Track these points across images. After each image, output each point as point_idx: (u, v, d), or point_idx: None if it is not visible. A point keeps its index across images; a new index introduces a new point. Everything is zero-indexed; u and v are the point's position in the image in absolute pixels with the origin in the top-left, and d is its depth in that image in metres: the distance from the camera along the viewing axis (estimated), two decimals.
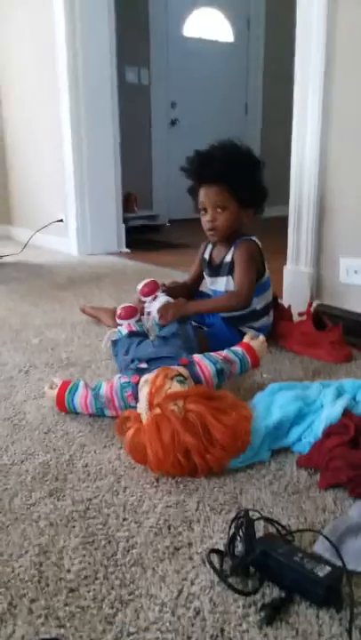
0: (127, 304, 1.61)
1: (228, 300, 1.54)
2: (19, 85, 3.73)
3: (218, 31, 5.02)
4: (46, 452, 1.07)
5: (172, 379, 1.04)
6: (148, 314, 1.58)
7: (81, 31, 3.08)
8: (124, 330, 1.50)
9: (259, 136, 5.20)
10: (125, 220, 3.64)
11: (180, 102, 4.91)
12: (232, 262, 1.56)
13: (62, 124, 3.28)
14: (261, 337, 1.30)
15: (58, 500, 0.91)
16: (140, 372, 1.16)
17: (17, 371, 1.48)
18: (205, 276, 1.70)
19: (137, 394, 1.12)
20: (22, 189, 3.97)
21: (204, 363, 1.18)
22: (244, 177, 1.50)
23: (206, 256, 1.67)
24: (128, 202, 4.14)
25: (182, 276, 2.03)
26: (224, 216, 1.52)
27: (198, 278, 1.75)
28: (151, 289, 1.63)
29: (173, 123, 4.90)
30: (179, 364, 1.15)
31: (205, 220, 1.55)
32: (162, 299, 1.57)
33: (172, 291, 1.66)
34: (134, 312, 1.57)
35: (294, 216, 1.94)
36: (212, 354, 1.22)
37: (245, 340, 1.28)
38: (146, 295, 1.63)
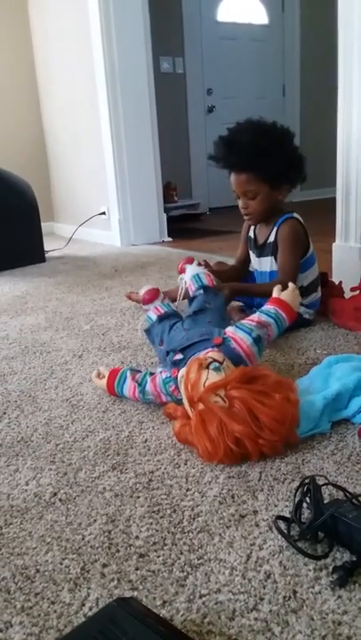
0: (148, 287, 1.60)
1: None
2: (57, 82, 3.78)
3: (252, 14, 4.94)
4: (106, 429, 1.09)
5: (207, 367, 0.99)
6: (183, 283, 1.54)
7: (115, 24, 3.09)
8: (153, 315, 1.44)
9: (298, 117, 5.11)
10: (166, 210, 3.64)
11: (216, 89, 4.86)
12: (275, 242, 1.54)
13: (100, 118, 3.31)
14: (291, 285, 1.23)
15: (121, 472, 0.93)
16: (177, 363, 1.12)
17: (71, 355, 1.52)
18: (252, 256, 1.69)
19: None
20: (64, 185, 4.04)
21: (239, 335, 1.11)
22: (271, 159, 1.45)
23: (251, 234, 1.67)
24: (168, 191, 4.14)
25: (226, 260, 2.02)
26: (256, 202, 1.52)
27: (247, 258, 1.73)
28: (186, 263, 1.62)
29: (210, 110, 4.86)
30: (213, 346, 1.10)
31: (240, 205, 1.56)
32: (193, 268, 1.53)
33: (223, 274, 1.65)
34: (157, 293, 1.56)
35: (342, 191, 1.90)
36: (244, 322, 1.16)
37: (274, 294, 1.22)
38: (182, 271, 1.61)
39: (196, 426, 0.93)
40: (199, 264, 1.62)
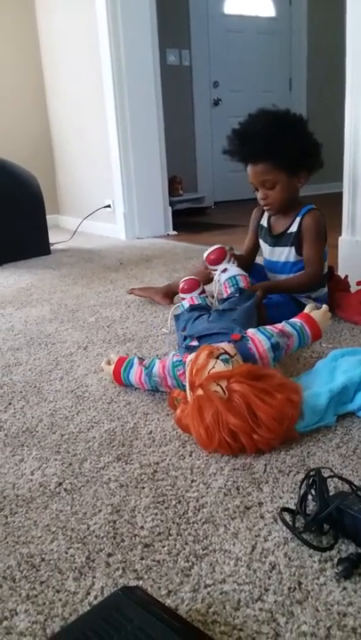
0: (190, 277, 1.57)
1: (307, 281, 1.52)
2: (63, 75, 3.77)
3: (259, 6, 4.91)
4: (111, 420, 1.09)
5: (217, 357, 0.99)
6: (217, 281, 1.51)
7: (122, 16, 3.07)
8: (186, 303, 1.46)
9: (304, 111, 5.06)
10: (171, 204, 3.63)
11: (223, 81, 4.84)
12: (298, 233, 1.52)
13: (106, 111, 3.30)
14: (324, 307, 1.23)
15: (126, 463, 0.93)
16: (191, 349, 1.12)
17: (76, 347, 1.52)
18: (263, 245, 1.65)
19: None
20: (69, 178, 4.03)
21: (258, 337, 1.12)
22: (286, 145, 1.43)
23: (264, 223, 1.63)
24: (173, 185, 4.13)
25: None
26: (275, 191, 1.49)
27: (255, 249, 1.70)
28: (219, 256, 1.56)
29: (216, 103, 4.84)
30: (230, 340, 1.11)
31: (258, 197, 1.53)
32: (232, 270, 1.50)
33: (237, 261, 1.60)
34: (197, 285, 1.54)
35: (349, 185, 1.89)
36: (267, 327, 1.16)
37: (306, 310, 1.22)
38: (213, 263, 1.56)
39: (192, 411, 0.94)
40: (231, 253, 1.57)
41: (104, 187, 3.54)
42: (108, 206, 3.52)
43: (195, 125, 4.78)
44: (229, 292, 1.44)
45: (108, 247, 3.17)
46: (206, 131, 4.77)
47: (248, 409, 0.90)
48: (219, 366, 0.98)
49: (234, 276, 1.47)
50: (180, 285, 1.54)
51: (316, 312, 1.20)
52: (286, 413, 0.91)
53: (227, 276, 1.48)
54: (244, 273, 1.49)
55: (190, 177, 4.75)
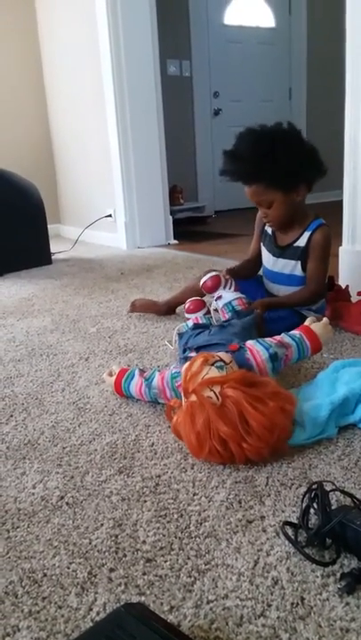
0: (195, 298, 1.57)
1: (309, 297, 1.52)
2: (64, 85, 3.79)
3: (258, 17, 4.95)
4: (112, 432, 1.09)
5: (212, 364, 1.00)
6: (215, 310, 1.50)
7: (123, 27, 3.10)
8: (190, 323, 1.46)
9: (304, 120, 5.10)
10: (172, 213, 3.64)
11: (223, 92, 4.87)
12: (306, 248, 1.51)
13: (108, 121, 3.32)
14: (325, 319, 1.22)
15: (128, 476, 0.93)
16: (189, 360, 1.10)
17: (77, 358, 1.52)
18: (266, 253, 1.63)
19: None
20: (70, 188, 4.05)
21: (256, 348, 1.12)
22: (275, 165, 1.39)
23: (269, 230, 1.61)
24: (174, 194, 4.14)
25: (234, 264, 2.01)
26: (273, 210, 1.48)
27: (260, 253, 1.68)
28: (214, 284, 1.54)
29: (217, 113, 4.87)
30: (228, 350, 1.11)
31: (260, 214, 1.54)
32: (227, 296, 1.49)
33: (241, 272, 1.61)
34: (202, 306, 1.54)
35: (349, 194, 1.89)
36: (266, 339, 1.16)
37: (306, 323, 1.21)
38: (210, 290, 1.55)
39: (184, 417, 0.94)
40: (224, 278, 1.55)
41: (105, 196, 3.55)
42: (110, 216, 3.53)
43: (195, 135, 4.80)
44: (227, 316, 1.44)
45: (109, 257, 3.18)
46: (207, 140, 4.79)
47: (240, 416, 0.90)
48: (213, 373, 0.99)
49: (229, 302, 1.46)
50: (186, 306, 1.55)
51: (316, 324, 1.20)
52: (278, 422, 0.91)
53: (222, 302, 1.48)
54: (240, 295, 1.48)
55: (191, 186, 4.77)
